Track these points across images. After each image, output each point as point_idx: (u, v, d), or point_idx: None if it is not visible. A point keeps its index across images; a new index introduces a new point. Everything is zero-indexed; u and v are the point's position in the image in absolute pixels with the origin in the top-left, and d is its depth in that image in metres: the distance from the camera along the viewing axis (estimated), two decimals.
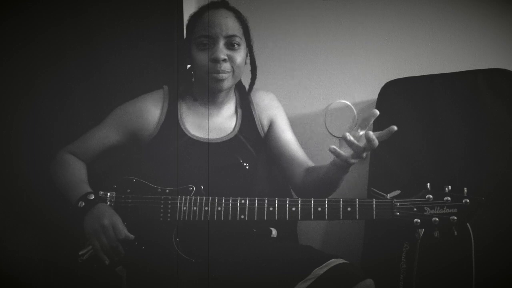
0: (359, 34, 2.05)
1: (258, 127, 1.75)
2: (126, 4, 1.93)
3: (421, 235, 1.54)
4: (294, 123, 2.13)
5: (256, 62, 1.73)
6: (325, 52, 2.10)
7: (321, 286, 1.40)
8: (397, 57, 2.00)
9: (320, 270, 1.42)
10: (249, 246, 1.59)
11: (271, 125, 1.76)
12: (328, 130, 2.10)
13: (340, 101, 2.09)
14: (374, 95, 1.97)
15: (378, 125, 1.93)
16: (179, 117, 1.70)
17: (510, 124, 1.76)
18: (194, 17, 1.67)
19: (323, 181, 1.57)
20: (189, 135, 1.67)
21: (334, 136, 2.09)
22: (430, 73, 1.89)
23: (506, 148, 1.75)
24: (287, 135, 1.75)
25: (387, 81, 1.94)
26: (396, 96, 1.91)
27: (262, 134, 1.75)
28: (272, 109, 1.77)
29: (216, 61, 1.60)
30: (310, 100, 2.13)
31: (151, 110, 1.69)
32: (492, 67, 1.81)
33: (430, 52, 1.96)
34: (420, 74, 1.92)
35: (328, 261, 1.43)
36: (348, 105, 2.07)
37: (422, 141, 1.86)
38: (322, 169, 1.57)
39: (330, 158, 1.49)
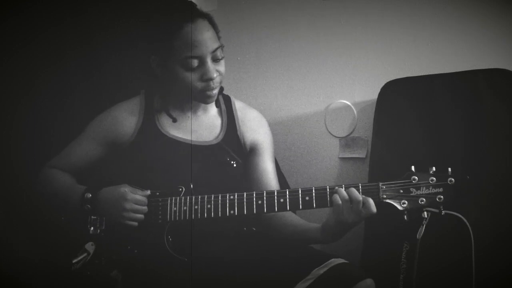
0: (359, 34, 2.05)
1: (241, 142, 1.71)
2: (126, 4, 1.93)
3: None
4: (294, 123, 2.14)
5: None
6: (325, 52, 2.10)
7: (321, 286, 1.40)
8: (397, 57, 2.00)
9: (320, 270, 1.42)
10: (249, 245, 1.59)
11: (252, 149, 1.72)
12: (328, 130, 2.10)
13: (340, 101, 2.08)
14: (374, 95, 1.96)
15: (378, 125, 1.94)
16: (156, 120, 1.67)
17: (510, 124, 1.76)
18: (169, 29, 1.58)
19: (290, 232, 1.61)
20: (168, 135, 1.66)
21: (334, 136, 2.09)
22: (430, 73, 1.89)
23: (506, 148, 1.75)
24: (267, 166, 1.71)
25: (387, 81, 1.94)
26: (396, 96, 1.91)
27: (245, 151, 1.72)
28: (258, 135, 1.72)
29: (210, 80, 1.58)
30: (310, 100, 2.13)
31: (127, 117, 1.67)
32: (492, 67, 1.80)
33: (430, 52, 1.96)
34: (420, 74, 1.92)
35: (328, 261, 1.43)
36: (348, 105, 2.07)
37: (422, 141, 1.86)
38: (302, 226, 1.61)
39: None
